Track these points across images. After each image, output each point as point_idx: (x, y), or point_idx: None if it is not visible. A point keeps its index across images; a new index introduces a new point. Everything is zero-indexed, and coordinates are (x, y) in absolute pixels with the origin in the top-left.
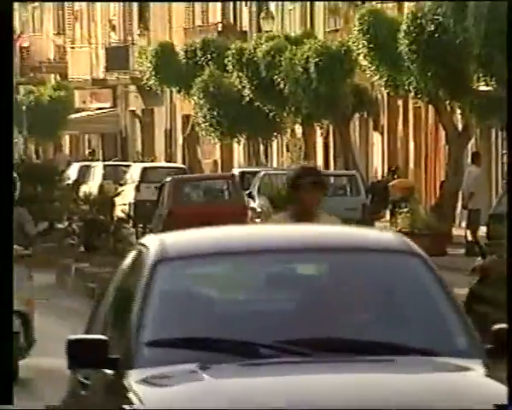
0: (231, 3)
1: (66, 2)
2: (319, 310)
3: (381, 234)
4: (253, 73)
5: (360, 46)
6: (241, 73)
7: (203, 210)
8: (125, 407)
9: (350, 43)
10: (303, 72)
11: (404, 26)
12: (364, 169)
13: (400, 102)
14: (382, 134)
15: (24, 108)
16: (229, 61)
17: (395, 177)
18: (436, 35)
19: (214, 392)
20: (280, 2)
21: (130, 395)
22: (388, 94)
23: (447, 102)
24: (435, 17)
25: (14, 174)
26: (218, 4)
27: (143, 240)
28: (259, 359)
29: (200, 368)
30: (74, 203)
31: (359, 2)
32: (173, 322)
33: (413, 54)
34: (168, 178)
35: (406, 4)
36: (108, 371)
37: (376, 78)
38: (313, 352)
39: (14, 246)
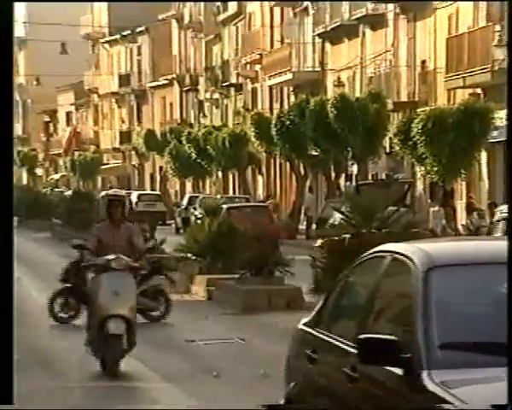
0: (185, 111)
1: (99, 110)
2: None
3: None
4: (195, 145)
5: (252, 132)
6: (189, 145)
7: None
8: (443, 405)
9: (246, 130)
10: (221, 145)
11: (273, 122)
12: (254, 195)
13: (272, 160)
14: (263, 176)
15: (77, 163)
16: (183, 139)
17: (270, 199)
18: (290, 126)
19: None
20: (209, 109)
21: (443, 395)
22: (266, 156)
23: (296, 160)
24: (289, 117)
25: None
26: (178, 111)
27: (391, 248)
28: None
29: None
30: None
31: (244, 110)
32: (459, 326)
33: (278, 136)
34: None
35: (275, 111)
36: (396, 370)
37: (260, 148)
38: None
39: (125, 257)
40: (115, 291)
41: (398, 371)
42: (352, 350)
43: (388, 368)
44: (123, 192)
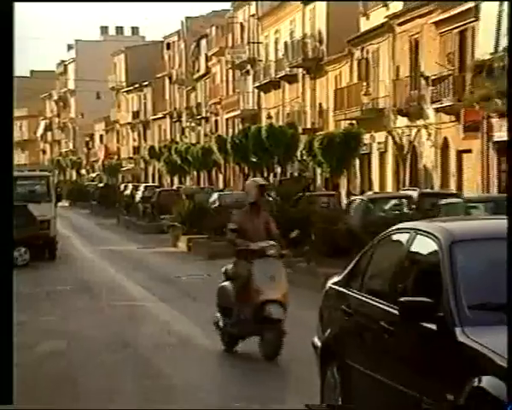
0: (173, 134)
1: (120, 133)
2: None
3: None
4: (180, 155)
5: (215, 147)
6: (176, 155)
7: None
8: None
9: (212, 146)
10: (196, 155)
11: (228, 141)
12: (216, 186)
13: (228, 165)
14: (222, 175)
15: (106, 167)
16: (172, 151)
17: (227, 189)
18: (239, 144)
19: None
20: (188, 132)
21: (475, 345)
22: (224, 162)
23: (242, 164)
24: (238, 138)
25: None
26: (169, 134)
27: (413, 225)
28: None
29: None
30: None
31: (210, 134)
32: (481, 290)
33: (231, 150)
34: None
35: (229, 134)
36: (431, 326)
37: (220, 157)
38: None
39: (277, 244)
40: (272, 277)
41: (433, 326)
42: (387, 308)
43: (423, 324)
44: (264, 181)
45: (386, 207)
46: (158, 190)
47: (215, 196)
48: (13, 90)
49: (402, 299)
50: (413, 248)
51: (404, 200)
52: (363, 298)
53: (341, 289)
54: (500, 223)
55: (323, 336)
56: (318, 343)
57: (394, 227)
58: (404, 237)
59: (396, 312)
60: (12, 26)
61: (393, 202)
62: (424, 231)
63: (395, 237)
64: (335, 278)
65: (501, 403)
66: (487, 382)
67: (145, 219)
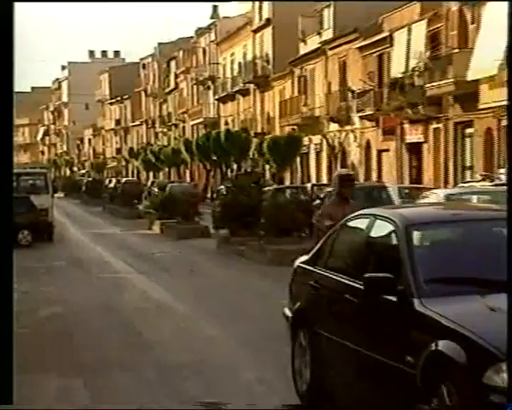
0: (148, 138)
1: (105, 138)
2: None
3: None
4: (154, 155)
5: (183, 148)
6: (151, 155)
7: None
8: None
9: (180, 147)
10: (167, 155)
11: (194, 143)
12: (184, 180)
13: (193, 162)
14: (189, 171)
15: (94, 165)
16: (148, 152)
17: (193, 182)
18: (202, 145)
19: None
20: (161, 137)
21: (429, 313)
22: (190, 161)
23: (205, 162)
24: (202, 140)
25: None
26: (145, 138)
27: (372, 212)
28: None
29: (479, 295)
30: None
31: (179, 137)
32: (435, 266)
33: (196, 150)
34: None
35: (194, 137)
36: (392, 298)
37: (187, 156)
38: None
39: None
40: None
41: (393, 298)
42: (351, 282)
43: (384, 296)
44: (352, 172)
45: (287, 194)
46: (123, 180)
47: (168, 187)
48: (13, 89)
49: (366, 275)
50: (373, 231)
51: (300, 189)
52: (330, 275)
53: (309, 267)
54: (447, 210)
55: (293, 307)
56: (289, 314)
57: (356, 213)
58: (364, 222)
59: (360, 286)
60: (12, 26)
61: (292, 190)
62: (382, 216)
63: (357, 222)
64: (302, 258)
65: (456, 363)
66: (443, 345)
67: (125, 207)
